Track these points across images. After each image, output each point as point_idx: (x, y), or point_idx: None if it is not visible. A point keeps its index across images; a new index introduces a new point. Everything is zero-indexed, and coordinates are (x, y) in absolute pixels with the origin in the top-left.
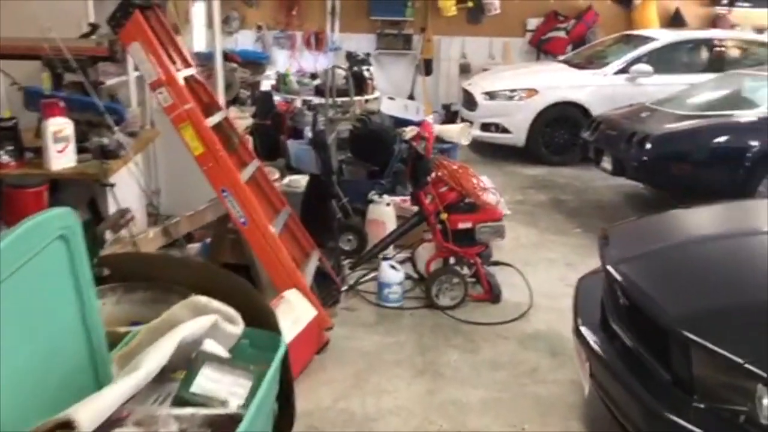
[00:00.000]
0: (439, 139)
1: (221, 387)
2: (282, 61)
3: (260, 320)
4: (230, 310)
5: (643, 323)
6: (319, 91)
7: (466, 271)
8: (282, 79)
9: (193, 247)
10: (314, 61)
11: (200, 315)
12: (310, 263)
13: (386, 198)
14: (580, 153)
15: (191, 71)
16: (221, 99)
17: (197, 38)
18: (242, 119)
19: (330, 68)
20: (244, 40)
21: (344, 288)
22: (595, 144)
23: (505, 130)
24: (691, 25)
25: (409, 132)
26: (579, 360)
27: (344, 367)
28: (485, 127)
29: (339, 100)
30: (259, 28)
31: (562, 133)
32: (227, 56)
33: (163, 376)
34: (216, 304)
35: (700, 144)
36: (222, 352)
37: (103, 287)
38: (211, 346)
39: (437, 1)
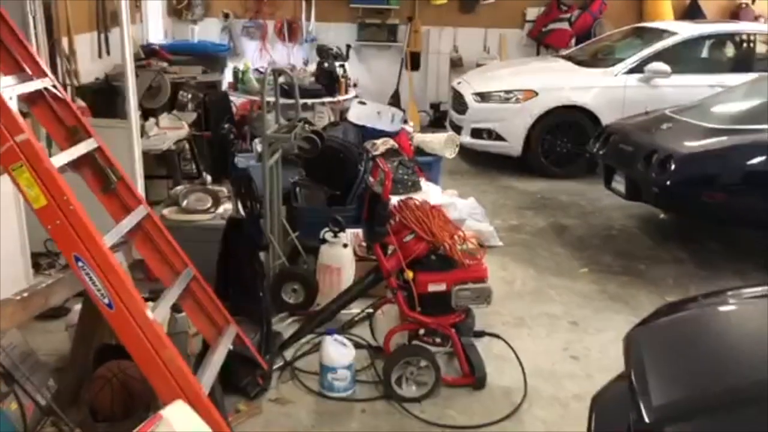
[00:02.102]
0: (421, 151)
1: None
2: (251, 54)
3: None
4: None
5: None
6: (284, 92)
7: (438, 341)
8: (240, 77)
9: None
10: (287, 54)
11: None
12: (219, 346)
13: (343, 237)
14: (586, 165)
15: (45, 83)
16: (133, 108)
17: (153, 28)
18: (174, 130)
19: (269, 70)
20: (207, 30)
21: (276, 366)
22: (605, 160)
23: (499, 137)
24: (709, 17)
25: (381, 145)
26: None
27: None
28: (476, 133)
29: (308, 101)
30: (226, 16)
31: (564, 141)
32: (154, 52)
33: None
34: None
35: (736, 166)
36: None
37: None
38: None
39: None
